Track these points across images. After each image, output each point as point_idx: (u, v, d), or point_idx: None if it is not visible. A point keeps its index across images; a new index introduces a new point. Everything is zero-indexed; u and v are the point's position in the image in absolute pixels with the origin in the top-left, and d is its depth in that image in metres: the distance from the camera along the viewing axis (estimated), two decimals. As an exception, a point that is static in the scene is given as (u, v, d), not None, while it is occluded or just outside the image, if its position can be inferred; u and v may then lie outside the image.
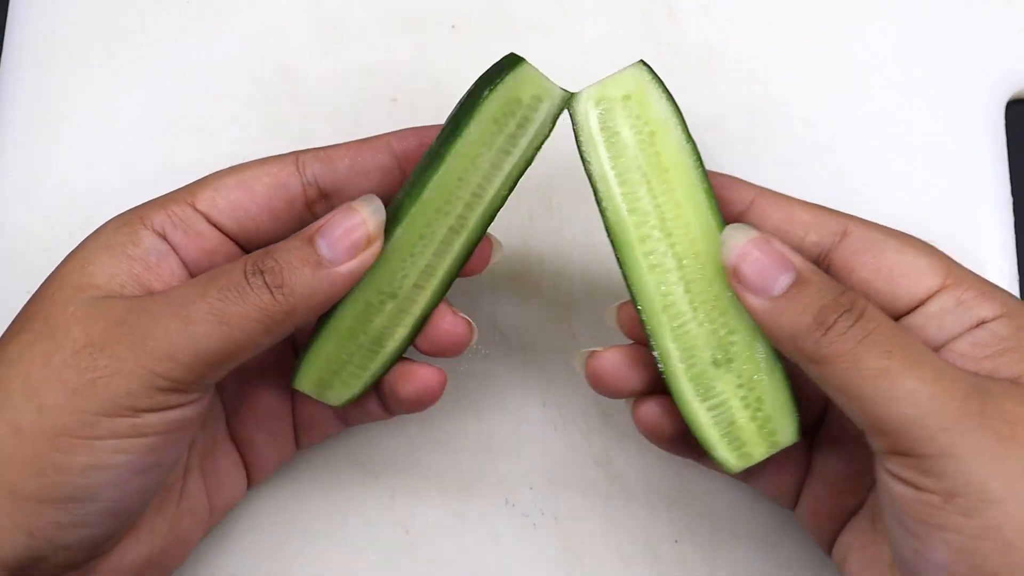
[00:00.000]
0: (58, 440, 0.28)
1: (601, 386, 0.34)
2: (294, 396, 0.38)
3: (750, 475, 0.36)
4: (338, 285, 0.31)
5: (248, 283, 0.29)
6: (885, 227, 0.33)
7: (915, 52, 0.46)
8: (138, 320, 0.29)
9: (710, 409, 0.32)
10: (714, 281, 0.32)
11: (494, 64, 0.32)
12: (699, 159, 0.32)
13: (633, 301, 0.32)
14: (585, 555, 0.41)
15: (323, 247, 0.30)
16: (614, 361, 0.34)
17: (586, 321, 0.43)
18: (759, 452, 0.32)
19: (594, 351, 0.34)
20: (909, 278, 0.31)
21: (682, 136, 0.32)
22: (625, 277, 0.32)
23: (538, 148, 0.32)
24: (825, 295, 0.29)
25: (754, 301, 0.30)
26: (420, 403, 0.35)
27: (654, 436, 0.35)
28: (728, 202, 0.33)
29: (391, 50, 0.46)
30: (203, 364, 0.29)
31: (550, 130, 0.32)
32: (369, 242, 0.31)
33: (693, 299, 0.32)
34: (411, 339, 0.34)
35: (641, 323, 0.32)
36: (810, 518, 0.35)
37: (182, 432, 0.31)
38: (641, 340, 0.34)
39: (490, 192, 0.32)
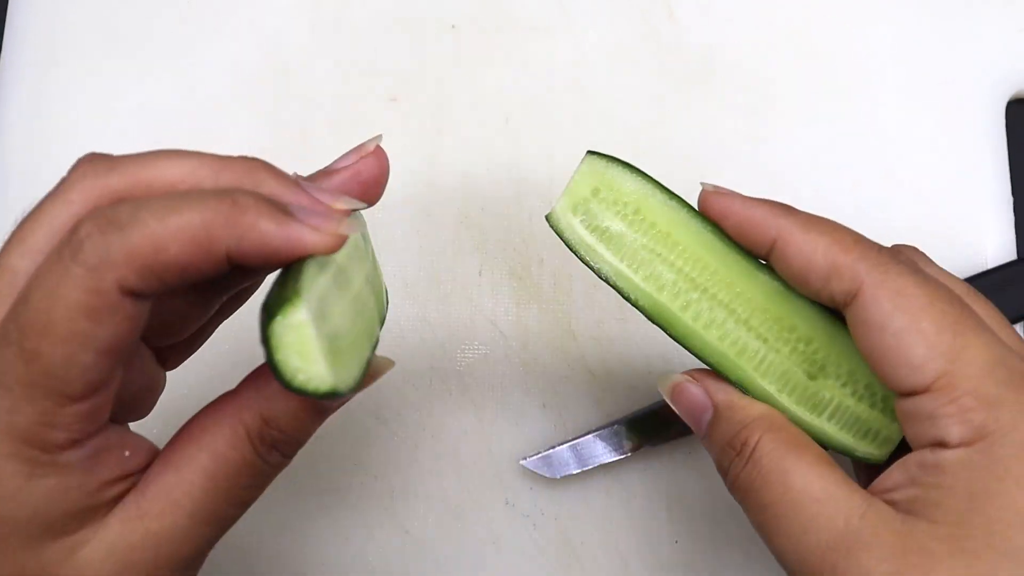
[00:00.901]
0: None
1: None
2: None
3: None
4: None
5: (267, 462, 0.28)
6: (909, 289, 0.29)
7: (915, 52, 0.46)
8: (166, 552, 0.27)
9: (830, 418, 0.32)
10: (768, 307, 0.31)
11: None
12: (690, 207, 0.32)
13: (710, 366, 0.32)
14: (585, 555, 0.41)
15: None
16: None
17: (586, 321, 0.43)
18: (896, 431, 0.32)
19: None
20: (898, 371, 0.28)
21: (664, 197, 0.32)
22: (689, 349, 0.32)
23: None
24: (725, 435, 0.31)
25: (697, 434, 0.32)
26: None
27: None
28: (750, 240, 0.31)
29: (391, 50, 0.46)
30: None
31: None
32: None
33: (759, 333, 0.31)
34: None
35: (727, 380, 0.32)
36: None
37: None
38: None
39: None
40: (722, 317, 0.31)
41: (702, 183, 0.32)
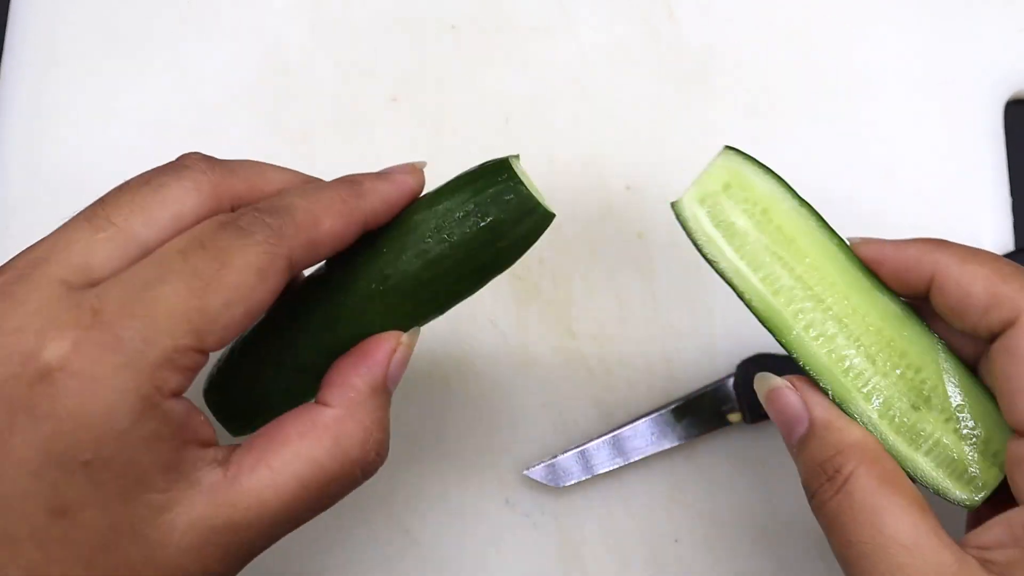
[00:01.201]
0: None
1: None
2: None
3: None
4: None
5: (355, 477, 0.30)
6: None
7: (915, 52, 0.46)
8: (246, 547, 0.29)
9: (927, 453, 0.31)
10: (882, 328, 0.31)
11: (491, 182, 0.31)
12: (820, 217, 0.31)
13: (812, 379, 0.31)
14: (585, 555, 0.41)
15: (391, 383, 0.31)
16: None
17: (586, 321, 0.43)
18: (993, 476, 0.31)
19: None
20: None
21: (795, 203, 0.31)
22: (795, 358, 0.31)
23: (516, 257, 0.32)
24: (817, 456, 0.30)
25: (787, 442, 0.31)
26: None
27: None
28: (906, 283, 0.31)
29: (391, 50, 0.46)
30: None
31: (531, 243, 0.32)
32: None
33: (869, 353, 0.31)
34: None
35: (828, 397, 0.31)
36: None
37: None
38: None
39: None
40: (834, 330, 0.31)
41: (849, 239, 0.32)
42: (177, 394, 0.27)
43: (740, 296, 0.31)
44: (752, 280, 0.31)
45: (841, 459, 0.29)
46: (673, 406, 0.41)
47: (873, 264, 0.31)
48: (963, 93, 0.45)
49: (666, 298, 0.43)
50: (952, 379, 0.31)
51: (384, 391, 0.30)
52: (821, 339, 0.31)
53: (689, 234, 0.31)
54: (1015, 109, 0.46)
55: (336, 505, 0.41)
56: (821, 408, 0.30)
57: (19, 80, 0.45)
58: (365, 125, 0.45)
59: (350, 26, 0.46)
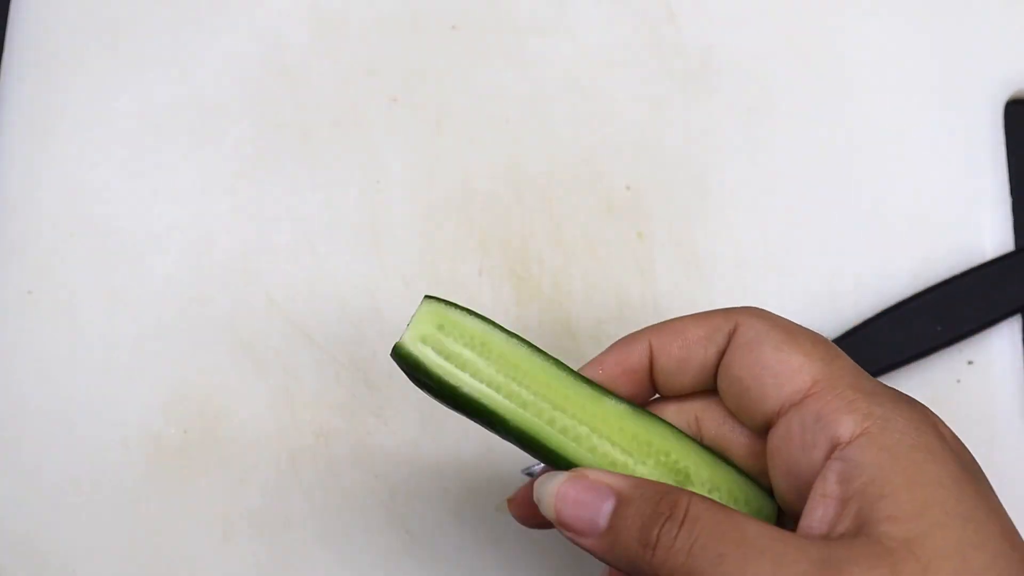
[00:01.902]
0: None
1: (525, 518, 0.34)
2: None
3: None
4: None
5: None
6: (777, 318, 0.31)
7: (915, 52, 0.46)
8: None
9: None
10: (623, 426, 0.31)
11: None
12: (530, 344, 0.32)
13: None
14: (585, 555, 0.41)
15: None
16: (528, 495, 0.32)
17: (586, 321, 0.43)
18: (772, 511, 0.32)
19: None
20: (778, 379, 0.29)
21: (505, 335, 0.32)
22: (564, 462, 0.31)
23: None
24: (645, 508, 0.27)
25: (589, 543, 0.29)
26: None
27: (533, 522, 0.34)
28: (627, 365, 0.32)
29: (391, 50, 0.46)
30: None
31: None
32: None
33: (624, 448, 0.31)
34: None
35: None
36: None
37: None
38: (536, 521, 0.33)
39: None
40: (587, 432, 0.31)
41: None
42: None
43: (491, 416, 0.31)
44: (498, 398, 0.31)
45: (671, 497, 0.28)
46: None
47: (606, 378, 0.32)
48: (963, 93, 0.45)
49: (666, 298, 0.43)
50: (697, 456, 0.32)
51: None
52: (580, 441, 0.31)
53: (422, 370, 0.31)
54: (1015, 109, 0.46)
55: (336, 505, 0.41)
56: (615, 477, 0.29)
57: (19, 80, 0.45)
58: (365, 125, 0.45)
59: (350, 26, 0.46)
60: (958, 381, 0.42)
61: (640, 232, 0.44)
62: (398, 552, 0.41)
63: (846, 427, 0.27)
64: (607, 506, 0.28)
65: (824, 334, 0.42)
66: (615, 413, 0.31)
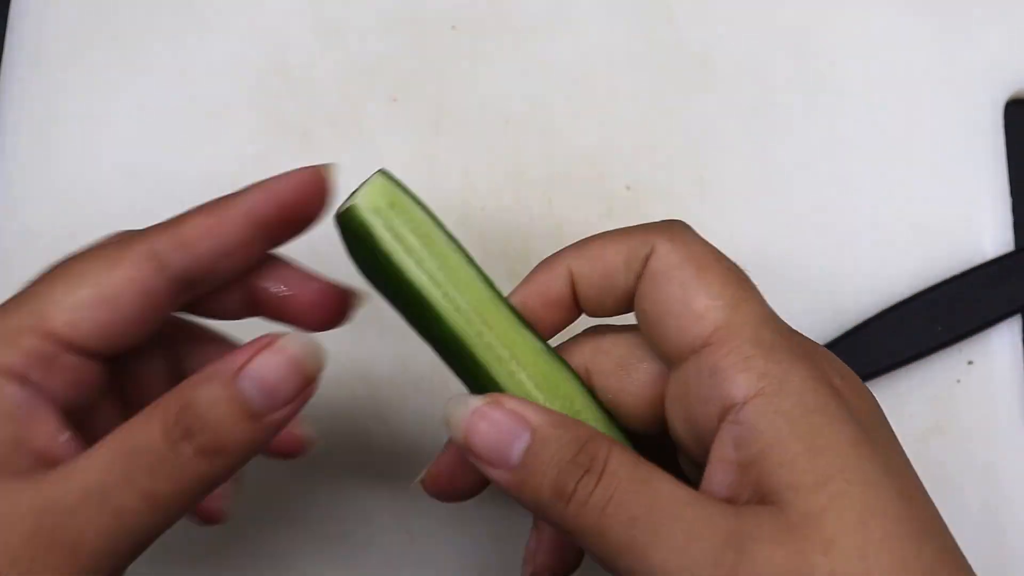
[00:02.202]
0: None
1: (443, 491, 0.33)
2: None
3: None
4: (277, 431, 0.26)
5: (177, 454, 0.25)
6: (692, 244, 0.29)
7: (915, 52, 0.46)
8: (62, 523, 0.24)
9: None
10: (537, 361, 0.30)
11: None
12: (465, 253, 0.30)
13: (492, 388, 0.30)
14: (585, 555, 0.41)
15: (254, 394, 0.25)
16: (449, 464, 0.32)
17: (585, 320, 0.42)
18: None
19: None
20: (679, 322, 0.28)
21: (446, 236, 0.30)
22: (478, 381, 0.30)
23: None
24: (563, 454, 0.26)
25: (496, 474, 0.27)
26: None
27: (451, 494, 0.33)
28: (549, 297, 0.31)
29: (391, 50, 0.46)
30: (141, 547, 0.26)
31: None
32: (310, 384, 0.27)
33: (536, 383, 0.30)
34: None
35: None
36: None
37: None
38: (451, 494, 0.33)
39: None
40: (508, 356, 0.30)
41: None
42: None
43: (427, 310, 0.29)
44: (438, 294, 0.29)
45: (592, 446, 0.26)
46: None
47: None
48: (963, 93, 0.45)
49: (666, 298, 0.43)
50: (593, 409, 0.31)
51: None
52: (502, 361, 0.30)
53: (370, 241, 0.29)
54: (1015, 109, 0.46)
55: (337, 505, 0.41)
56: (534, 410, 0.27)
57: (19, 80, 0.45)
58: (365, 125, 0.45)
59: (350, 26, 0.46)
60: (958, 381, 0.42)
61: (640, 232, 0.44)
62: (398, 552, 0.41)
63: (740, 387, 0.26)
64: (521, 440, 0.27)
65: (824, 334, 0.42)
66: (532, 348, 0.30)
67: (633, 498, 0.25)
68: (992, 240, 0.44)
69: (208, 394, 0.25)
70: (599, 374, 0.31)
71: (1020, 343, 0.43)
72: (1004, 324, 0.43)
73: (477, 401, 0.28)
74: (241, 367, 0.25)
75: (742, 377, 0.26)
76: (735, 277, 0.29)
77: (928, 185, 0.44)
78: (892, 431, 0.28)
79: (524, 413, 0.27)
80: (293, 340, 0.26)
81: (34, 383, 0.26)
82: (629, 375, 0.30)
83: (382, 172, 0.30)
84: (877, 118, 0.45)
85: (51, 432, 0.26)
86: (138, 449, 0.25)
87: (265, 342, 0.26)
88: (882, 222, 0.44)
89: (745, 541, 0.24)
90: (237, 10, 0.46)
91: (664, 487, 0.26)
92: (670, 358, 0.28)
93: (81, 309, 0.26)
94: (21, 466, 0.25)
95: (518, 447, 0.27)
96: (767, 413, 0.26)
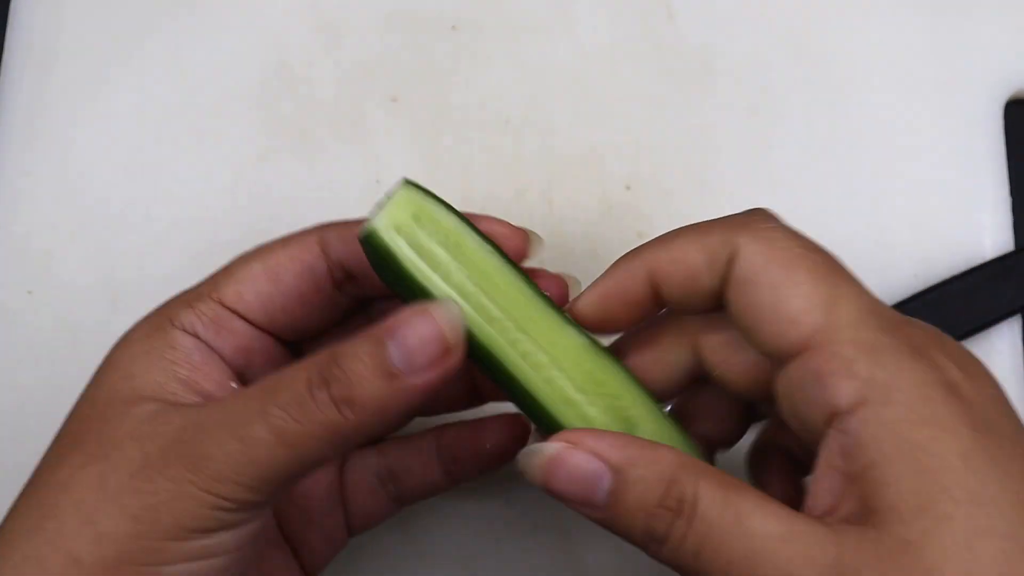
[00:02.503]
0: (121, 570, 0.26)
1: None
2: (343, 486, 0.35)
3: None
4: (416, 399, 0.27)
5: (313, 398, 0.26)
6: (778, 239, 0.28)
7: (914, 52, 0.46)
8: (195, 439, 0.26)
9: None
10: (580, 360, 0.30)
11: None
12: (502, 253, 0.30)
13: (534, 414, 0.30)
14: (586, 555, 0.41)
15: (396, 356, 0.26)
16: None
17: (586, 321, 0.43)
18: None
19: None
20: (775, 327, 0.27)
21: (479, 239, 0.30)
22: (516, 392, 0.30)
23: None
24: (649, 497, 0.26)
25: (590, 514, 0.27)
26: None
27: None
28: (628, 299, 0.30)
29: (391, 50, 0.46)
30: (267, 484, 0.27)
31: None
32: (448, 353, 0.27)
33: (577, 384, 0.30)
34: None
35: (546, 428, 0.30)
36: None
37: (253, 543, 0.29)
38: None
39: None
40: (546, 361, 0.30)
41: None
42: None
43: None
44: (467, 309, 0.29)
45: (678, 487, 0.26)
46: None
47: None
48: (963, 93, 0.45)
49: (666, 298, 0.43)
50: (644, 406, 0.30)
51: None
52: (539, 370, 0.30)
53: (393, 263, 0.28)
54: (1015, 109, 0.46)
55: (336, 505, 0.41)
56: (611, 447, 0.26)
57: (19, 80, 0.45)
58: (365, 125, 0.45)
59: (350, 26, 0.46)
60: (958, 381, 0.42)
61: (640, 232, 0.44)
62: (398, 552, 0.41)
63: (844, 395, 0.25)
64: (604, 482, 0.26)
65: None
66: (574, 346, 0.30)
67: (727, 541, 0.25)
68: (992, 240, 0.44)
69: (354, 349, 0.27)
70: (708, 348, 0.30)
71: (1020, 343, 0.43)
72: (1004, 324, 0.43)
73: (551, 449, 0.27)
74: (391, 328, 0.27)
75: (845, 384, 0.25)
76: (826, 270, 0.27)
77: (928, 185, 0.44)
78: (1018, 420, 0.26)
79: (601, 451, 0.26)
80: (442, 309, 0.27)
81: (204, 340, 0.30)
82: (737, 355, 0.30)
83: (406, 182, 0.30)
84: (877, 118, 0.45)
85: (219, 380, 0.30)
86: (279, 388, 0.27)
87: (420, 308, 0.27)
88: (882, 222, 0.44)
89: (845, 574, 0.24)
90: (237, 10, 0.46)
91: (756, 525, 0.25)
92: (772, 359, 0.28)
93: (247, 281, 0.30)
94: (188, 400, 0.29)
95: (602, 489, 0.26)
96: (872, 425, 0.25)
